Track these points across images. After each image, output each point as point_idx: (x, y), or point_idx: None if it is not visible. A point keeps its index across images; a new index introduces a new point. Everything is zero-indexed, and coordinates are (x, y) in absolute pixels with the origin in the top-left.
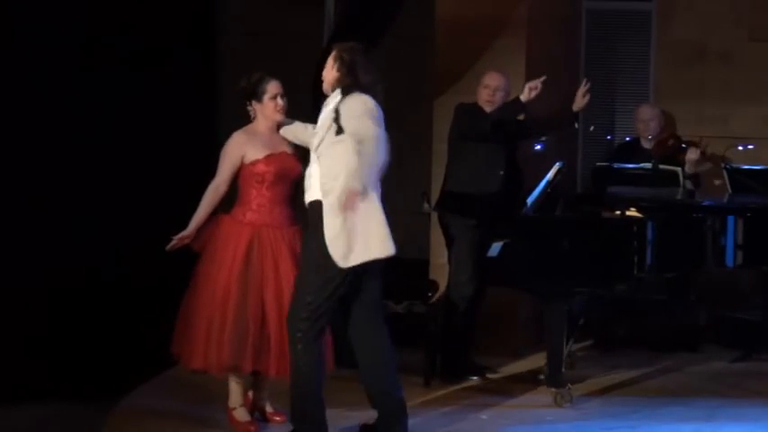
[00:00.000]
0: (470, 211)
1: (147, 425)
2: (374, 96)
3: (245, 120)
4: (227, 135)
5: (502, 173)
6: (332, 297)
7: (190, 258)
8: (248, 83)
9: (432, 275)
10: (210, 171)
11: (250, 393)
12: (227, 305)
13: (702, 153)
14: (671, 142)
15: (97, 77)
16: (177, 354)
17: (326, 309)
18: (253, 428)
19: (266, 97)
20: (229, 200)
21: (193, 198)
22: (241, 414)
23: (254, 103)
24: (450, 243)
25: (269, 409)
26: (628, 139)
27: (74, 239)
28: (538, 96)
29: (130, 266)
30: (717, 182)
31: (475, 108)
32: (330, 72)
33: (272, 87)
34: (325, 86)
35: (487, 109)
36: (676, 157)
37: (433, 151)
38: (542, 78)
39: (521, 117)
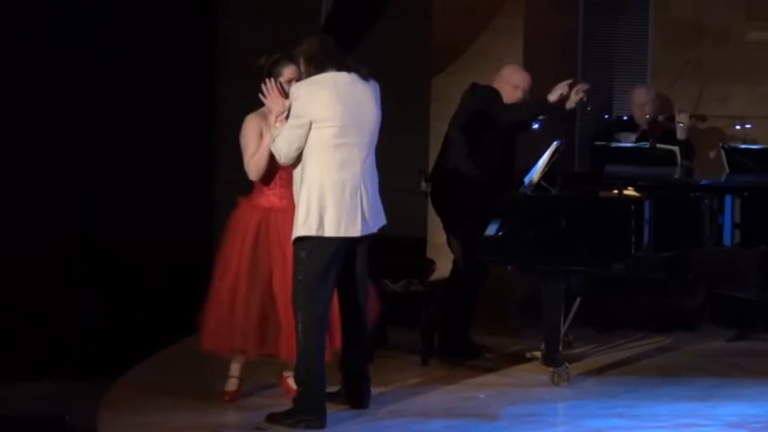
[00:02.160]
0: (473, 189)
1: (145, 401)
2: (337, 68)
3: (242, 102)
4: (225, 118)
5: (501, 154)
6: (321, 272)
7: (191, 238)
8: (266, 62)
9: (429, 254)
10: (208, 153)
11: (284, 372)
12: (237, 292)
13: (691, 117)
14: (661, 118)
15: (91, 63)
16: (198, 330)
17: (321, 286)
18: (226, 398)
19: (281, 80)
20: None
21: (191, 178)
22: (228, 384)
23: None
24: (449, 222)
25: (294, 385)
26: (625, 117)
27: (74, 216)
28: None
29: (131, 244)
30: (711, 154)
31: (497, 94)
32: (303, 71)
33: (288, 72)
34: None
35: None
36: (669, 131)
37: (431, 130)
38: (569, 81)
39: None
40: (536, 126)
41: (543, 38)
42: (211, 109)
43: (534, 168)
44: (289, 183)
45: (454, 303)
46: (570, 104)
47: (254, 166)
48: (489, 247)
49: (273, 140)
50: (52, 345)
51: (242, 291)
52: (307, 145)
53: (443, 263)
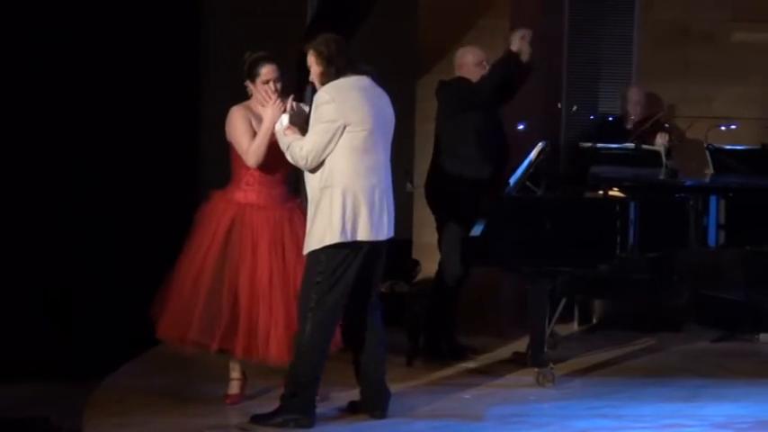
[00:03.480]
0: (465, 189)
1: (131, 403)
2: (356, 72)
3: (227, 102)
4: (210, 117)
5: (495, 143)
6: (341, 276)
7: (175, 237)
8: (246, 60)
9: (414, 255)
10: (193, 152)
11: None
12: (201, 282)
13: (670, 139)
14: (647, 124)
15: (76, 62)
16: (153, 318)
17: (338, 289)
18: (228, 401)
19: (258, 80)
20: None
21: (176, 177)
22: (230, 386)
23: (248, 82)
24: (441, 223)
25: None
26: (610, 118)
27: (58, 215)
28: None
29: (115, 246)
30: (693, 164)
31: (462, 81)
32: (314, 69)
33: (266, 72)
34: (316, 84)
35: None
36: (647, 137)
37: (416, 130)
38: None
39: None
40: (521, 127)
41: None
42: (196, 108)
43: (519, 169)
44: (271, 182)
45: (439, 304)
46: (516, 48)
47: (253, 153)
48: (475, 248)
49: (288, 147)
50: (37, 346)
51: (205, 284)
52: (336, 150)
53: (429, 264)
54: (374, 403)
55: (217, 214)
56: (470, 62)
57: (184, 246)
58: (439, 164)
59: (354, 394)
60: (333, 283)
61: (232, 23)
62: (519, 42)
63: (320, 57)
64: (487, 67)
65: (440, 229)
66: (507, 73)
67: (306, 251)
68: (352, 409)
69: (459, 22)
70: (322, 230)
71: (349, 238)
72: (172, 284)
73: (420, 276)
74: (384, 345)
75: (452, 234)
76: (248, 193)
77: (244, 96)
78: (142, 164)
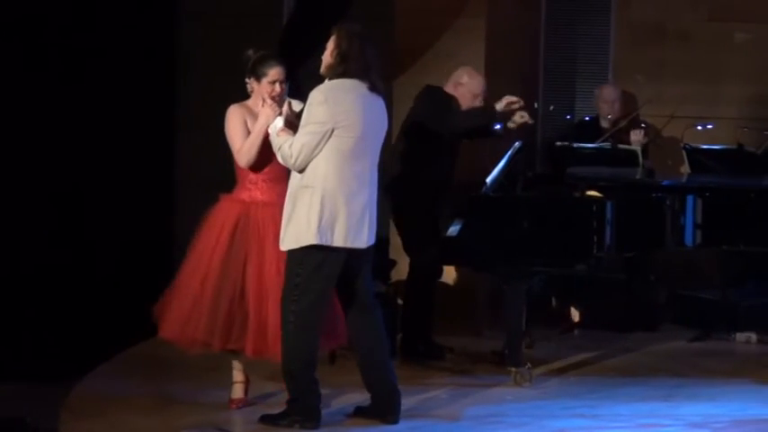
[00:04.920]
0: (427, 190)
1: (107, 404)
2: (365, 79)
3: (203, 104)
4: (186, 120)
5: (450, 156)
6: (320, 279)
7: (153, 240)
8: (251, 58)
9: (391, 255)
10: (170, 154)
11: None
12: (207, 282)
13: (646, 135)
14: (623, 123)
15: (52, 67)
16: (156, 318)
17: (318, 293)
18: (232, 405)
19: (265, 80)
20: None
21: (152, 180)
22: (233, 390)
23: (252, 80)
24: (404, 224)
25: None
26: (587, 118)
27: (34, 217)
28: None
29: (92, 247)
30: (673, 154)
31: (451, 100)
32: (327, 57)
33: (273, 73)
34: (322, 69)
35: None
36: (623, 135)
37: (393, 132)
38: (517, 99)
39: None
40: (498, 127)
41: (506, 39)
42: (172, 110)
43: (496, 169)
44: (274, 179)
45: (414, 304)
46: (511, 125)
47: (244, 154)
48: (451, 248)
49: (279, 148)
50: (13, 347)
51: (212, 283)
52: (322, 152)
53: (405, 263)
54: (385, 408)
55: (222, 214)
56: (468, 88)
57: (189, 248)
58: (395, 166)
59: (355, 398)
60: (312, 284)
61: (208, 24)
62: (505, 106)
63: (337, 49)
64: (480, 102)
65: (400, 232)
66: (482, 124)
67: (282, 248)
68: (360, 414)
69: (435, 23)
70: (299, 230)
71: (324, 242)
72: (177, 285)
73: (397, 276)
74: (386, 346)
75: (419, 233)
76: (253, 191)
77: (220, 97)
78: (118, 165)
